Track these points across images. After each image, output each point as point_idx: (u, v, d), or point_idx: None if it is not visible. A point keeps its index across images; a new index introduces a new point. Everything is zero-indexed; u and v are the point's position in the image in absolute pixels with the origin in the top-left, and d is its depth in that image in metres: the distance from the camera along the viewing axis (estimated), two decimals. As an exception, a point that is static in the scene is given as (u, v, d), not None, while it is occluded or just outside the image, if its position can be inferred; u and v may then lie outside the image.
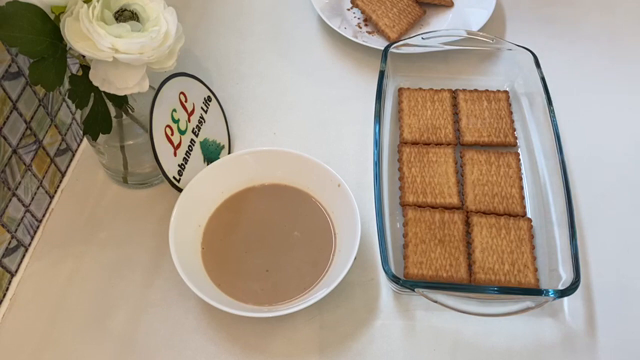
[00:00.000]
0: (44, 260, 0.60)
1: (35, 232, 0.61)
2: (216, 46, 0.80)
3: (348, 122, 0.71)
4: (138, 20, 0.50)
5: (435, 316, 0.56)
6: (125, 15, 0.49)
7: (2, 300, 0.57)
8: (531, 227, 0.59)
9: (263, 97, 0.75)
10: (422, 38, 0.71)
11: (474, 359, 0.53)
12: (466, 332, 0.55)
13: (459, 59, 0.76)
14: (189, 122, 0.62)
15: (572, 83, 0.75)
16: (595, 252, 0.60)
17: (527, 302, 0.51)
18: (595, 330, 0.55)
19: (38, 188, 0.61)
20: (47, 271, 0.59)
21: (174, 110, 0.60)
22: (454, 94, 0.71)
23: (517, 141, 0.67)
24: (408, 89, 0.71)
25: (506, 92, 0.71)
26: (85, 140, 0.69)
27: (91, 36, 0.46)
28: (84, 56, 0.48)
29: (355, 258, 0.53)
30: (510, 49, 0.70)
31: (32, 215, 0.60)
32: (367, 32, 0.80)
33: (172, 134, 0.60)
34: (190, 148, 0.62)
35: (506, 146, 0.66)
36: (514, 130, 0.67)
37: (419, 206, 0.61)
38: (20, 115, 0.56)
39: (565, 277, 0.52)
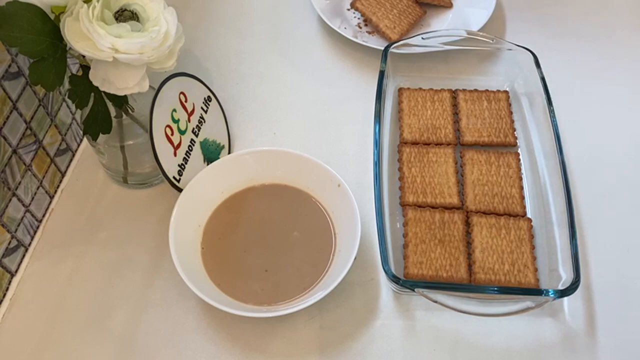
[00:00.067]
0: (44, 260, 0.60)
1: (35, 232, 0.61)
2: (216, 46, 0.80)
3: (348, 122, 0.71)
4: (138, 20, 0.50)
5: (435, 316, 0.56)
6: (125, 15, 0.49)
7: (2, 300, 0.57)
8: (531, 227, 0.59)
9: (263, 97, 0.75)
10: (422, 38, 0.71)
11: (474, 359, 0.53)
12: (466, 332, 0.55)
13: (459, 59, 0.76)
14: (189, 122, 0.62)
15: (572, 83, 0.75)
16: (595, 252, 0.60)
17: (527, 302, 0.51)
18: (595, 330, 0.55)
19: (38, 188, 0.61)
20: (47, 271, 0.59)
21: (174, 110, 0.60)
22: (454, 94, 0.71)
23: (517, 141, 0.67)
24: (408, 89, 0.71)
25: (506, 92, 0.71)
26: (85, 140, 0.69)
27: (91, 36, 0.46)
28: (84, 56, 0.48)
29: (355, 258, 0.53)
30: (510, 49, 0.70)
31: (32, 215, 0.60)
32: (367, 32, 0.80)
33: (172, 134, 0.60)
34: (190, 148, 0.62)
35: (506, 146, 0.66)
36: (514, 130, 0.67)
37: (419, 206, 0.61)
38: (20, 115, 0.56)
39: (565, 277, 0.52)
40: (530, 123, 0.67)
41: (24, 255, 0.60)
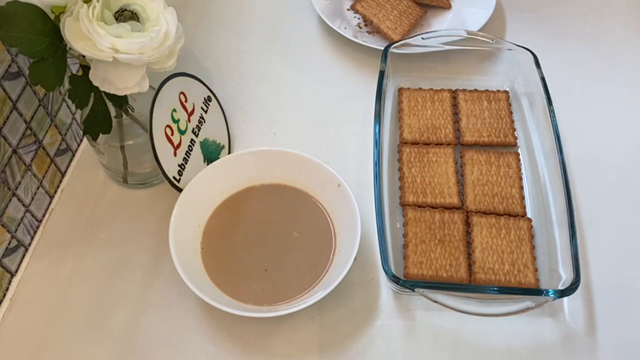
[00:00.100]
0: (44, 260, 0.60)
1: (35, 232, 0.61)
2: (216, 46, 0.80)
3: (348, 122, 0.71)
4: (138, 20, 0.50)
5: (435, 316, 0.56)
6: (125, 15, 0.49)
7: (2, 300, 0.57)
8: (531, 227, 0.59)
9: (263, 97, 0.75)
10: (422, 38, 0.71)
11: (474, 359, 0.53)
12: (466, 332, 0.55)
13: (459, 59, 0.76)
14: (189, 122, 0.62)
15: (572, 83, 0.75)
16: (595, 252, 0.60)
17: (527, 302, 0.51)
18: (595, 330, 0.55)
19: (38, 188, 0.61)
20: (47, 271, 0.59)
21: (174, 110, 0.60)
22: (454, 94, 0.71)
23: (517, 141, 0.67)
24: (408, 89, 0.71)
25: (506, 92, 0.71)
26: (85, 140, 0.69)
27: (91, 36, 0.46)
28: (84, 56, 0.48)
29: (355, 258, 0.53)
30: (510, 49, 0.70)
31: (32, 215, 0.60)
32: (367, 32, 0.80)
33: (172, 134, 0.60)
34: (190, 148, 0.62)
35: (506, 146, 0.66)
36: (514, 130, 0.67)
37: (419, 206, 0.61)
38: (20, 115, 0.56)
39: (565, 277, 0.52)
40: (530, 123, 0.67)
41: (24, 255, 0.60)
